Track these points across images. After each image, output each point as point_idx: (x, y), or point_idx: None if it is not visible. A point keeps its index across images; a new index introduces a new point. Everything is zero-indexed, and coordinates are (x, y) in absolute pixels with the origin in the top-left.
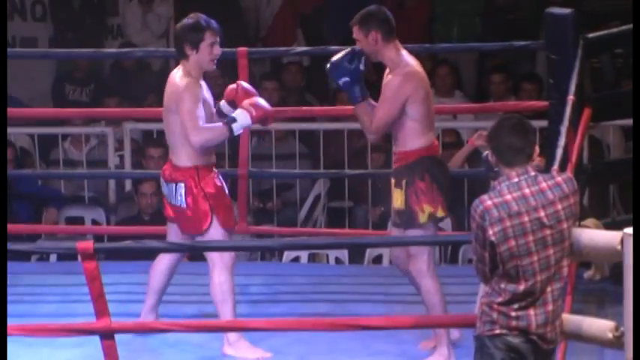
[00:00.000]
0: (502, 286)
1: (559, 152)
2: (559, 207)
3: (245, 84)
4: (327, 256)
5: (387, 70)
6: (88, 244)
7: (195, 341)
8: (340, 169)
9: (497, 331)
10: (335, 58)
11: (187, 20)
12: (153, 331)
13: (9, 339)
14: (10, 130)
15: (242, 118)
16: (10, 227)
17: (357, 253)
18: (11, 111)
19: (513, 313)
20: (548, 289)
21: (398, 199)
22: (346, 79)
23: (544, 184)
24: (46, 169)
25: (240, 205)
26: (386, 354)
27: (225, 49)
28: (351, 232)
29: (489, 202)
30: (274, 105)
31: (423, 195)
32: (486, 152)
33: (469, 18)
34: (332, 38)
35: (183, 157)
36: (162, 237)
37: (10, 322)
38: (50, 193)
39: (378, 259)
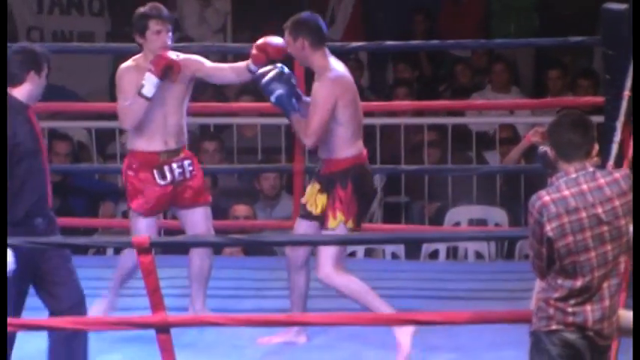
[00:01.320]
0: (559, 282)
1: (614, 148)
2: (617, 203)
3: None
4: (384, 251)
5: (316, 77)
6: (144, 239)
7: (251, 335)
8: (397, 165)
9: (554, 327)
10: (265, 77)
11: (137, 11)
12: (209, 325)
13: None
14: (67, 124)
15: (147, 80)
16: (67, 221)
17: (413, 248)
18: (68, 105)
19: (570, 309)
20: (605, 284)
21: (319, 204)
22: (280, 92)
23: (602, 181)
24: (103, 163)
25: (296, 201)
26: (441, 349)
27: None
28: (407, 227)
29: (547, 198)
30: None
31: (340, 203)
32: (542, 148)
33: (526, 13)
34: (387, 34)
35: (128, 140)
36: (219, 231)
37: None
38: (107, 187)
39: (434, 255)
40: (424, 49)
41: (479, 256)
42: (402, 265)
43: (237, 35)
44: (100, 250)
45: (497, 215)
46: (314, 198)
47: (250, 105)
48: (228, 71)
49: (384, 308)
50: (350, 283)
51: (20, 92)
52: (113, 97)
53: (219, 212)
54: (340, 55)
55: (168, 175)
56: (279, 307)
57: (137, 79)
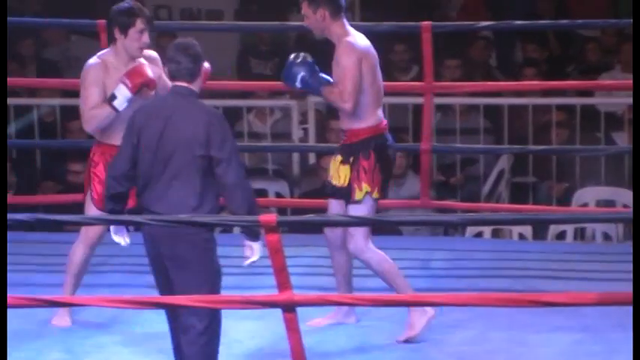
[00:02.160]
0: None
1: None
2: None
3: (139, 63)
4: (511, 231)
5: (337, 46)
6: (271, 217)
7: (378, 315)
8: (524, 145)
9: None
10: (285, 71)
11: (121, 4)
12: (335, 304)
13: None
14: None
15: (119, 91)
16: None
17: (540, 228)
18: None
19: None
20: None
21: (342, 175)
22: (302, 74)
23: None
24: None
25: (422, 180)
26: (567, 329)
27: (410, 23)
28: (534, 207)
29: None
30: (457, 80)
31: (364, 174)
32: None
33: None
34: (514, 12)
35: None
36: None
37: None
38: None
39: (561, 236)
40: (553, 28)
41: (606, 237)
42: (529, 245)
43: (365, 13)
44: (227, 229)
45: (625, 196)
46: (336, 170)
47: None
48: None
49: (408, 291)
50: (381, 260)
51: (196, 86)
52: (241, 75)
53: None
54: (467, 33)
55: None
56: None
57: (104, 77)
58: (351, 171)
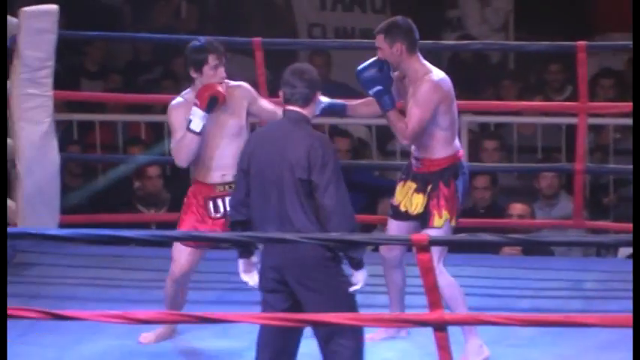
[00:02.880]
0: None
1: None
2: None
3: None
4: None
5: (407, 80)
6: (423, 237)
7: (524, 335)
8: None
9: None
10: (363, 66)
11: (193, 42)
12: (486, 324)
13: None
14: (348, 120)
15: (193, 114)
16: None
17: None
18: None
19: None
20: None
21: (415, 203)
22: (379, 87)
23: None
24: (383, 159)
25: (576, 201)
26: None
27: (565, 43)
28: None
29: None
30: (610, 100)
31: (445, 201)
32: None
33: None
34: None
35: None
36: (496, 230)
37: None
38: (386, 183)
39: None
40: None
41: None
42: None
43: (519, 33)
44: (378, 248)
45: None
46: (409, 198)
47: (531, 104)
48: (274, 115)
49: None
50: (450, 284)
51: (309, 111)
52: None
53: (497, 210)
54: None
55: (222, 208)
56: (555, 308)
57: (186, 114)
58: (430, 198)
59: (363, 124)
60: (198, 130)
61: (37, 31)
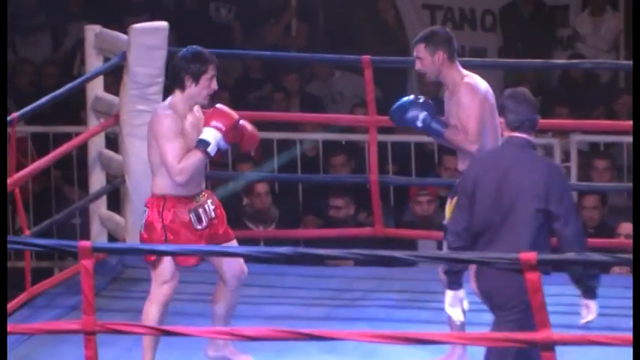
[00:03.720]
0: None
1: None
2: None
3: (219, 106)
4: None
5: (447, 90)
6: (531, 255)
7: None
8: None
9: None
10: (396, 106)
11: (189, 50)
12: (593, 344)
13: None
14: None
15: (210, 136)
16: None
17: None
18: None
19: None
20: None
21: None
22: (424, 115)
23: None
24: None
25: None
26: None
27: None
28: None
29: None
30: None
31: None
32: None
33: None
34: None
35: (156, 184)
36: (604, 250)
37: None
38: None
39: None
40: None
41: None
42: None
43: (629, 52)
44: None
45: None
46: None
47: None
48: None
49: None
50: None
51: (532, 136)
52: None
53: (606, 230)
54: None
55: (204, 218)
56: None
57: (177, 126)
58: None
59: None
60: (212, 154)
61: (147, 48)
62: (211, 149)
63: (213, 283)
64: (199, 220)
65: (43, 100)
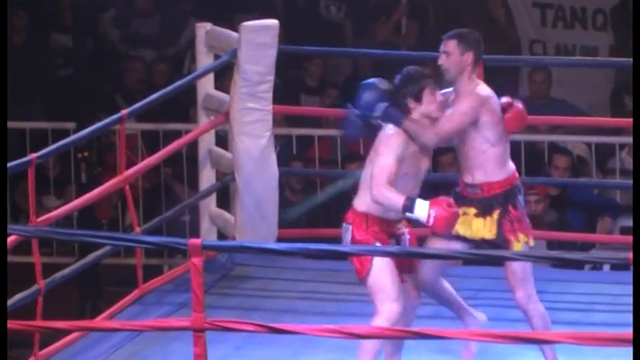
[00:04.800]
0: None
1: None
2: None
3: (519, 107)
4: None
5: (454, 94)
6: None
7: None
8: None
9: None
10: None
11: (410, 70)
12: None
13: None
14: (567, 137)
15: (420, 212)
16: (564, 235)
17: None
18: (569, 119)
19: None
20: None
21: (479, 228)
22: (382, 104)
23: None
24: (603, 178)
25: None
26: None
27: None
28: None
29: None
30: None
31: (518, 224)
32: None
33: None
34: None
35: (362, 200)
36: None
37: (562, 329)
38: (606, 202)
39: None
40: None
41: None
42: None
43: None
44: (597, 266)
45: None
46: (469, 223)
47: None
48: None
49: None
50: (545, 314)
51: None
52: (614, 113)
53: None
54: None
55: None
56: None
57: (403, 151)
58: (500, 224)
59: (583, 141)
60: (409, 215)
61: (257, 46)
62: (409, 215)
63: (322, 281)
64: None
65: (153, 97)
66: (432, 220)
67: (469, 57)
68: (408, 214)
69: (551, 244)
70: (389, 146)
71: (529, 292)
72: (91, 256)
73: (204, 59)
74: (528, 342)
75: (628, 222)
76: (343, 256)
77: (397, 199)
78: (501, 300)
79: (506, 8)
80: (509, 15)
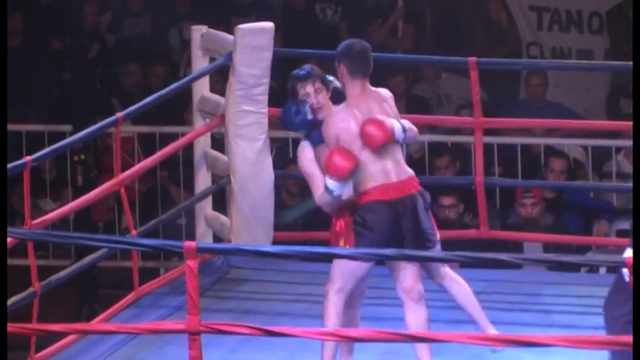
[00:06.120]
0: None
1: None
2: None
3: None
4: None
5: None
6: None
7: None
8: None
9: None
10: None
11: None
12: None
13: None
14: (563, 141)
15: (330, 184)
16: (560, 238)
17: None
18: (565, 122)
19: None
20: None
21: None
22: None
23: None
24: (599, 181)
25: None
26: None
27: None
28: None
29: None
30: None
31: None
32: None
33: None
34: None
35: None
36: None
37: (557, 332)
38: (602, 205)
39: None
40: None
41: None
42: None
43: None
44: (593, 269)
45: None
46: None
47: None
48: None
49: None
50: (339, 315)
51: None
52: (610, 116)
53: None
54: None
55: None
56: None
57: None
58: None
59: (579, 144)
60: (344, 196)
61: (252, 49)
62: (337, 194)
63: (317, 284)
64: None
65: (149, 99)
66: (334, 177)
67: (342, 70)
68: (333, 193)
69: (547, 247)
70: (304, 159)
71: (336, 288)
72: (87, 259)
73: (200, 62)
74: (525, 345)
75: (624, 225)
76: (339, 258)
77: (326, 199)
78: (500, 303)
79: (508, 11)
80: (510, 18)
